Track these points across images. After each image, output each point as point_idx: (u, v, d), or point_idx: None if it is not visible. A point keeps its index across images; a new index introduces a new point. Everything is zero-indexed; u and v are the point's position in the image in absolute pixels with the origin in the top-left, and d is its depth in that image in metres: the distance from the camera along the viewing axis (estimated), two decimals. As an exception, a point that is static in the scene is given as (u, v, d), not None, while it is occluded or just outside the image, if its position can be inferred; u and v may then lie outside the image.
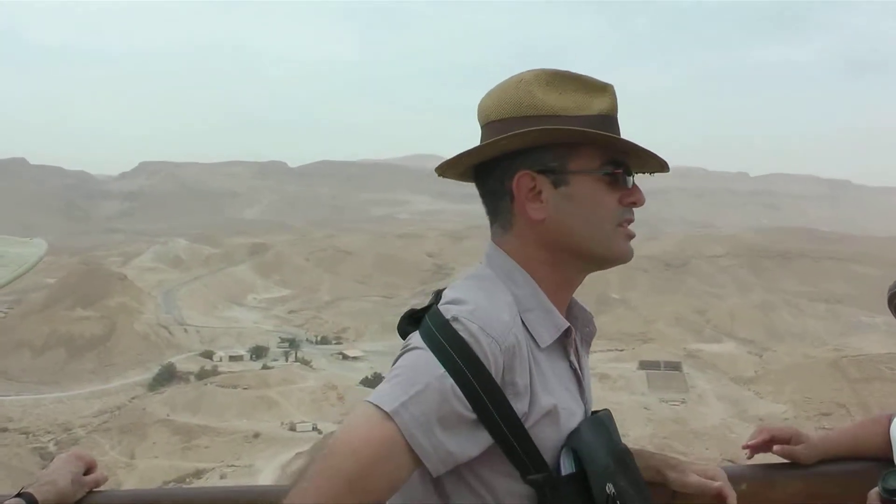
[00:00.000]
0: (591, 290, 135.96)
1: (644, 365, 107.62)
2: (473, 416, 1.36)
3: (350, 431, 1.32)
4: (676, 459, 1.84)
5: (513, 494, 1.43)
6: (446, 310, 1.42)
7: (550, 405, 1.44)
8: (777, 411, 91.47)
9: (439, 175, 1.66)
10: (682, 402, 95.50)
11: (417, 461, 1.33)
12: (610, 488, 1.45)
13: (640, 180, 1.60)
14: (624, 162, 1.54)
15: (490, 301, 1.45)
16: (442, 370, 1.35)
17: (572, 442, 1.46)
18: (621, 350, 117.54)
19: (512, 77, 1.55)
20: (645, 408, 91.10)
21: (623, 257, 1.58)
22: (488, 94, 1.57)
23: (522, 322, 1.46)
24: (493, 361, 1.37)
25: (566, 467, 1.44)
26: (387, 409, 1.31)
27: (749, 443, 2.22)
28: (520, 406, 1.39)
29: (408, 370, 1.37)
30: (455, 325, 1.39)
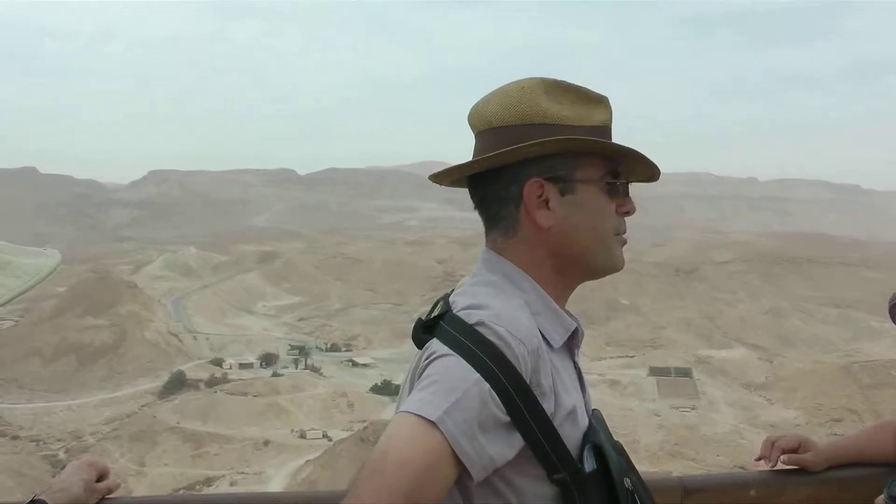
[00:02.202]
0: (601, 296, 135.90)
1: (654, 371, 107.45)
2: (507, 419, 1.36)
3: (397, 443, 1.29)
4: None
5: (539, 497, 1.43)
6: (468, 315, 1.42)
7: (571, 405, 1.45)
8: (788, 417, 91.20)
9: (434, 181, 1.67)
10: (693, 409, 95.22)
11: (461, 469, 1.32)
12: (628, 483, 1.47)
13: (648, 186, 1.64)
14: (620, 172, 1.58)
15: (507, 305, 1.46)
16: (477, 375, 1.34)
17: (591, 439, 1.48)
18: (631, 356, 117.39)
19: (510, 84, 1.57)
20: (655, 414, 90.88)
21: (619, 266, 1.60)
22: (487, 101, 1.58)
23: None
24: (522, 363, 1.37)
25: (589, 464, 1.45)
26: (431, 417, 1.29)
27: (757, 457, 2.27)
28: (547, 406, 1.40)
29: (443, 377, 1.35)
30: (482, 330, 1.38)
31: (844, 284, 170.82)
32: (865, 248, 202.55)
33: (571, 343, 1.56)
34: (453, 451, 1.30)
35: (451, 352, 1.38)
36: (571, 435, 1.45)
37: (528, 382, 1.37)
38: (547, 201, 1.51)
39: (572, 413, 1.45)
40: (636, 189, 1.63)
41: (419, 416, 1.30)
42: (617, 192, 1.57)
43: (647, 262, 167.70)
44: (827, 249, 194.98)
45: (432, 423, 1.29)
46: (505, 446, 1.36)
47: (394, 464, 1.26)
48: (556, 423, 1.41)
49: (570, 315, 1.62)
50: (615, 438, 1.58)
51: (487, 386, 1.33)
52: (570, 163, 1.52)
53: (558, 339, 1.50)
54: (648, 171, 1.62)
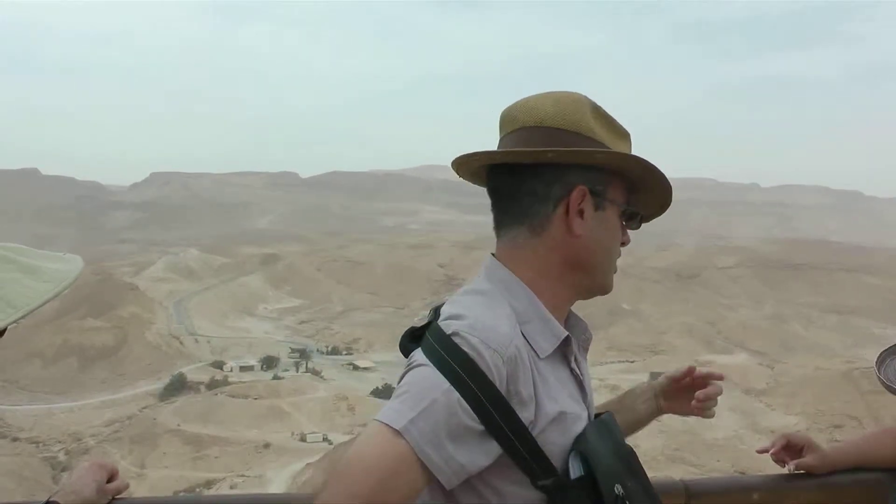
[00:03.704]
0: (603, 301, 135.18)
1: (655, 376, 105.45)
2: (481, 427, 1.38)
3: (362, 450, 1.34)
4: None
5: (527, 501, 1.46)
6: (447, 325, 1.45)
7: (556, 412, 1.47)
8: (789, 423, 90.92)
9: (454, 168, 1.67)
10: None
11: (430, 476, 1.36)
12: (618, 489, 1.47)
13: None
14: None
15: (490, 314, 1.48)
16: (447, 384, 1.37)
17: (579, 446, 1.49)
18: (632, 361, 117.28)
19: (562, 92, 1.60)
20: (656, 420, 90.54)
21: (609, 290, 1.65)
22: (540, 101, 1.60)
23: (522, 333, 1.49)
24: (496, 372, 1.39)
25: (575, 471, 1.47)
26: (396, 426, 1.34)
27: (766, 448, 2.28)
28: (526, 414, 1.42)
29: (414, 387, 1.39)
30: (456, 340, 1.41)
31: (846, 290, 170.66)
32: (867, 254, 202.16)
33: (565, 350, 1.57)
34: (419, 459, 1.34)
35: (426, 362, 1.42)
36: (558, 441, 1.47)
37: (502, 391, 1.40)
38: (582, 211, 1.54)
39: (558, 420, 1.47)
40: None
41: (387, 424, 1.35)
42: (628, 220, 1.63)
43: (648, 267, 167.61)
44: (828, 255, 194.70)
45: (398, 431, 1.34)
46: (478, 454, 1.40)
47: (357, 470, 1.32)
48: (536, 431, 1.43)
49: (579, 320, 1.68)
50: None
51: (457, 395, 1.37)
52: (606, 181, 1.56)
53: (547, 347, 1.52)
54: (656, 206, 1.67)
